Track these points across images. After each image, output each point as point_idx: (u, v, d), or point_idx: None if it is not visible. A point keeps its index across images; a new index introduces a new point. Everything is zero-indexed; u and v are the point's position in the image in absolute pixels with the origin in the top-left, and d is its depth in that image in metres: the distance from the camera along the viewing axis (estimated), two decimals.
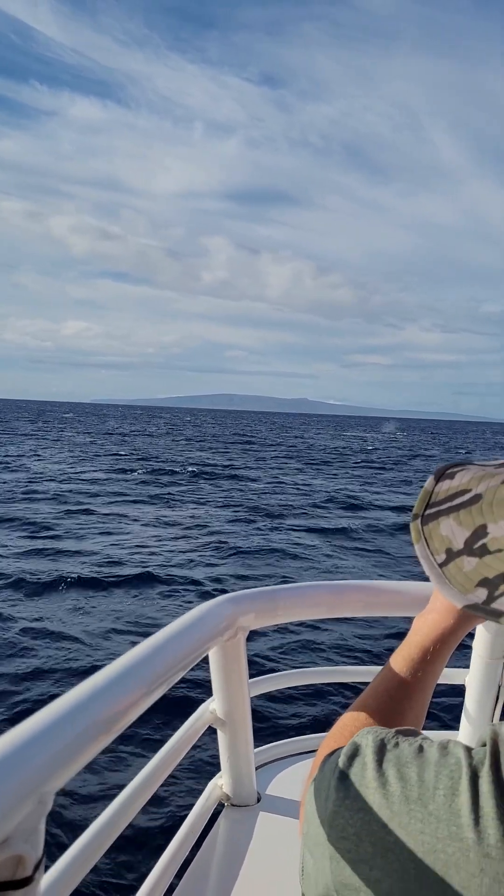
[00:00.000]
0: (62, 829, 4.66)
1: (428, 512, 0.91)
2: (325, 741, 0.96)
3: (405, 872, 0.68)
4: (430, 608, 1.04)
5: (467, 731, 1.72)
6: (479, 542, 0.83)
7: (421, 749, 0.75)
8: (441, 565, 0.84)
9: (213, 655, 1.54)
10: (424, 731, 0.97)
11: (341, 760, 0.78)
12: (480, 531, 0.84)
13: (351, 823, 0.73)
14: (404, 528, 18.02)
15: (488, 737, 0.73)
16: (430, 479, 0.95)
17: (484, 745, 0.73)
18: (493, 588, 0.78)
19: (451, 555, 0.84)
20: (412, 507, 0.93)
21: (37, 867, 0.67)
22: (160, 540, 15.99)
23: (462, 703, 1.71)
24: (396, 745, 0.77)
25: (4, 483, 24.97)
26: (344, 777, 0.77)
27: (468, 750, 0.73)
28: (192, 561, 13.82)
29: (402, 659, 1.01)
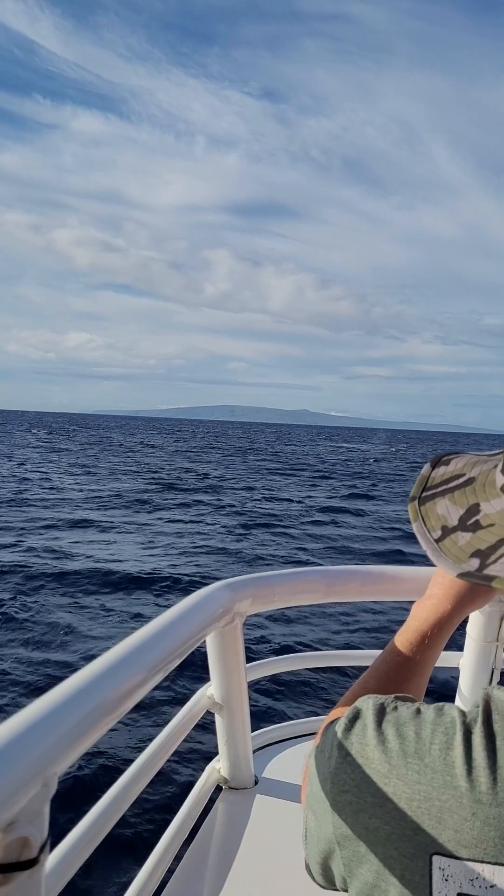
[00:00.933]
0: (63, 812, 4.70)
1: (424, 494, 0.99)
2: (328, 717, 1.01)
3: (402, 819, 0.74)
4: (429, 594, 1.10)
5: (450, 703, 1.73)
6: (473, 519, 0.91)
7: (418, 711, 0.81)
8: (437, 540, 0.92)
9: (211, 640, 1.55)
10: None
11: (344, 723, 0.84)
12: (474, 509, 0.92)
13: (352, 777, 0.79)
14: (403, 538, 18.04)
15: (481, 698, 0.79)
16: (427, 466, 1.03)
17: (477, 706, 0.79)
18: (486, 557, 0.85)
19: (447, 531, 0.92)
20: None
21: (42, 849, 0.68)
22: (156, 547, 16.01)
23: (457, 686, 1.73)
24: (395, 708, 0.83)
25: (4, 493, 24.94)
26: (346, 737, 0.82)
27: (462, 711, 0.79)
28: (189, 568, 13.84)
29: (401, 643, 1.08)
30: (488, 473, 0.95)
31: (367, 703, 0.85)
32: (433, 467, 1.03)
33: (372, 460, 65.25)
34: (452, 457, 1.04)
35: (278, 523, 20.42)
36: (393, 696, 0.87)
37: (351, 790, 0.79)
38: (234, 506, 24.26)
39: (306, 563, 14.90)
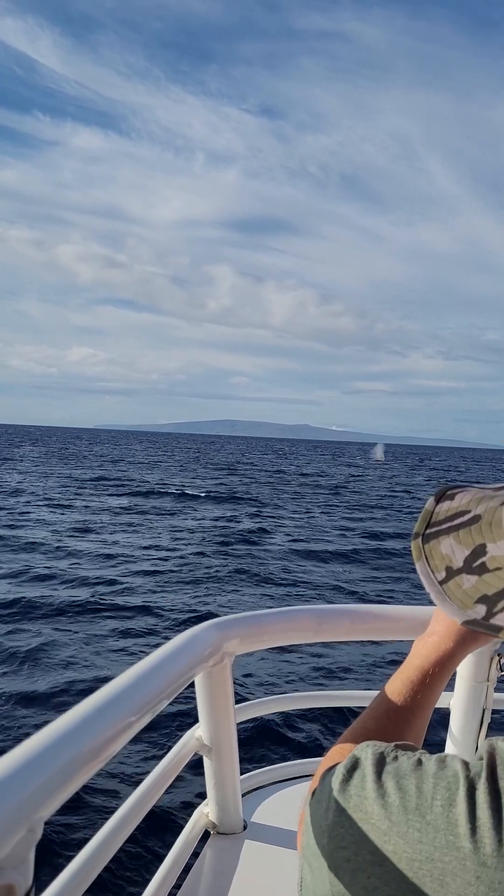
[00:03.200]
0: (50, 858, 4.59)
1: (428, 531, 0.95)
2: (325, 759, 0.98)
3: (402, 880, 0.70)
4: (430, 632, 1.07)
5: (453, 754, 1.71)
6: (479, 561, 0.86)
7: (419, 762, 0.77)
8: (441, 582, 0.87)
9: (199, 681, 1.54)
10: None
11: (342, 773, 0.80)
12: (480, 550, 0.87)
13: (350, 833, 0.75)
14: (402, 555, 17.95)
15: (485, 750, 0.76)
16: (431, 500, 0.99)
17: (481, 758, 0.75)
18: (493, 604, 0.81)
19: (451, 573, 0.87)
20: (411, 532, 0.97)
21: None
22: (148, 566, 15.92)
23: (447, 727, 1.71)
24: (395, 758, 0.79)
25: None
26: (344, 789, 0.79)
27: (465, 763, 0.75)
28: (180, 587, 13.76)
29: (401, 681, 1.04)
30: (495, 511, 0.91)
31: (367, 752, 0.81)
32: (437, 502, 0.98)
33: (380, 475, 65.04)
34: (457, 491, 0.99)
35: (273, 539, 20.38)
36: (393, 744, 0.83)
37: (349, 846, 0.75)
38: (230, 521, 24.15)
39: (299, 582, 14.87)
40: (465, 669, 1.63)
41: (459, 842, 0.68)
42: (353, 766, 0.80)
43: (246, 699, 1.85)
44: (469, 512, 0.94)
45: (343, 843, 0.76)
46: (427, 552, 0.92)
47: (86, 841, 1.15)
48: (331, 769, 0.85)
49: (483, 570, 0.85)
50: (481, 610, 0.81)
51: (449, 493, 0.99)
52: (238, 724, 1.64)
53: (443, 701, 1.71)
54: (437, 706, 1.70)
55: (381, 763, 0.79)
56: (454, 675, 1.66)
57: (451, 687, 1.68)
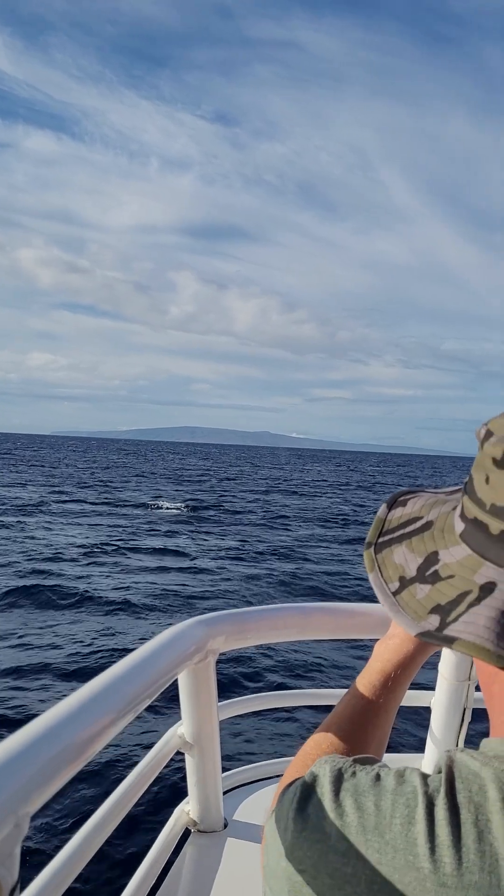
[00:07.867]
0: (33, 854, 4.58)
1: (381, 540, 0.91)
2: (288, 770, 0.96)
3: None
4: (391, 634, 1.05)
5: (433, 754, 1.73)
6: (432, 569, 0.82)
7: (378, 777, 0.75)
8: (395, 593, 0.83)
9: (183, 678, 1.54)
10: (390, 754, 0.96)
11: (299, 791, 0.78)
12: (432, 558, 0.83)
13: (308, 855, 0.73)
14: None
15: (444, 763, 0.73)
16: (383, 507, 0.95)
17: (440, 771, 0.73)
18: (446, 614, 0.77)
19: (405, 582, 0.83)
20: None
21: (12, 891, 0.67)
22: (128, 568, 15.90)
23: (428, 726, 1.73)
24: (353, 774, 0.77)
25: None
26: (302, 808, 0.76)
27: (424, 777, 0.73)
28: (163, 589, 13.75)
29: (364, 685, 1.02)
30: (447, 517, 0.86)
31: (324, 769, 0.78)
32: (389, 508, 0.94)
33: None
34: (410, 496, 0.95)
35: (256, 544, 20.42)
36: (351, 759, 0.80)
37: (308, 869, 0.72)
38: (203, 525, 24.18)
39: (279, 583, 14.93)
40: (446, 668, 1.64)
41: (419, 862, 0.66)
42: (311, 784, 0.77)
43: (227, 696, 1.85)
44: (421, 518, 0.90)
45: (302, 865, 0.73)
46: (380, 562, 0.88)
47: (68, 838, 1.15)
48: (288, 787, 0.82)
49: (436, 578, 0.81)
50: (435, 620, 0.77)
51: (401, 498, 0.96)
52: (220, 721, 1.64)
53: (424, 700, 1.73)
54: (418, 706, 1.72)
55: (338, 780, 0.76)
56: (436, 673, 1.68)
57: (431, 686, 1.70)
